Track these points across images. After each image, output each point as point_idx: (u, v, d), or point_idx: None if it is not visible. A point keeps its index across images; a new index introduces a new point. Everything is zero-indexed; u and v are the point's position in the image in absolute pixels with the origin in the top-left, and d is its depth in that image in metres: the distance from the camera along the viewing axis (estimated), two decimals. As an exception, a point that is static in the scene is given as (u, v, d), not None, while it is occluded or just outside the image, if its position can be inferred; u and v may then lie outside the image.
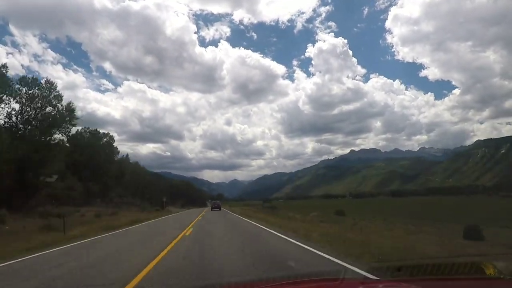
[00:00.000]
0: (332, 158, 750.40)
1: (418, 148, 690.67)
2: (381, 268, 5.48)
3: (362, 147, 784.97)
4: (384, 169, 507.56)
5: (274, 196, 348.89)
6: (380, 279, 3.64)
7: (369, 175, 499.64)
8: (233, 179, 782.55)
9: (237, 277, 5.78)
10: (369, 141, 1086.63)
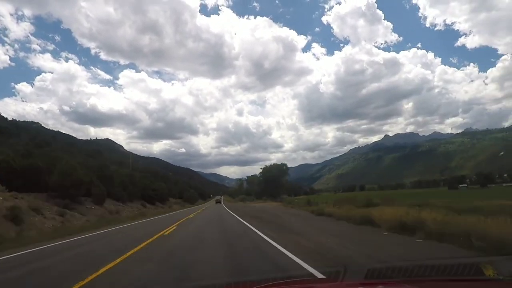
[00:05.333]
0: (363, 145, 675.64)
1: (464, 130, 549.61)
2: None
3: (389, 134, 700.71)
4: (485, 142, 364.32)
5: (318, 188, 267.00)
6: (380, 280, 3.68)
7: (458, 155, 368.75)
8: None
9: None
10: (397, 127, 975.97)
